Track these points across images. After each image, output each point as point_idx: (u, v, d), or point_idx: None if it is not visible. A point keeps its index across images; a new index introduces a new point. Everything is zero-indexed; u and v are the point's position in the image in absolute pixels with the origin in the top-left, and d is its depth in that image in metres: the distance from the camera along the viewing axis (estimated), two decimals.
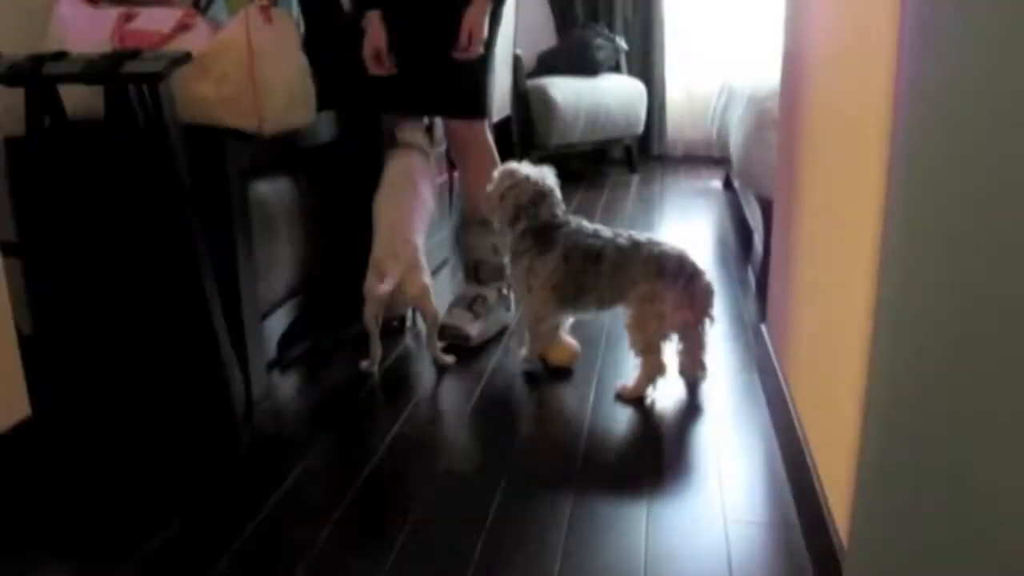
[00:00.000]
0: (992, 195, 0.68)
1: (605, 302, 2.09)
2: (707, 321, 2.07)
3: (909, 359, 0.88)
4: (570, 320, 2.25)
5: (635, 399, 2.04)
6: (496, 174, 2.19)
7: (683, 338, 2.09)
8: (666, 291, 1.99)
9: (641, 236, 2.08)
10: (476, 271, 2.45)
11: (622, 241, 2.05)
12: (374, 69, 2.27)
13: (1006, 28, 0.66)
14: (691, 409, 2.01)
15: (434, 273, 2.92)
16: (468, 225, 2.45)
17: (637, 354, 2.05)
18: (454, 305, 2.42)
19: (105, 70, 1.73)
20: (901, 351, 0.91)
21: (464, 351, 2.33)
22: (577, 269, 2.06)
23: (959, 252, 0.75)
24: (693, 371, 2.12)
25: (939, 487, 0.78)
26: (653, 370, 2.04)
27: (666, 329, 2.03)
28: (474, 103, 2.37)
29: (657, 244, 2.05)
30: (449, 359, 2.25)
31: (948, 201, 0.78)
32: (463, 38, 2.20)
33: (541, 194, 2.12)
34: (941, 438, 0.78)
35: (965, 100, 0.74)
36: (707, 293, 2.05)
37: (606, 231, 2.09)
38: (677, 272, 2.00)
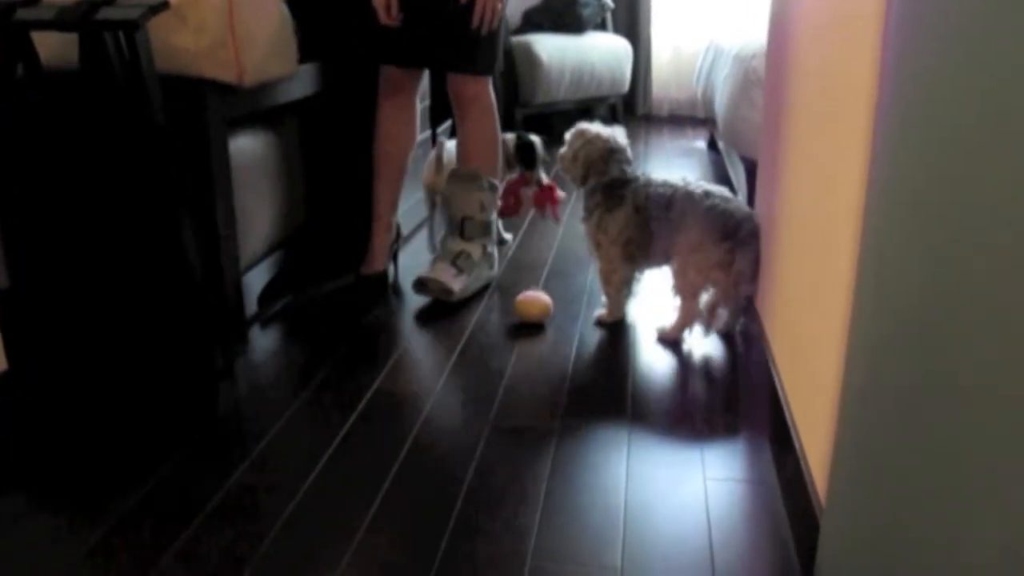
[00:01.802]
0: (978, 157, 0.67)
1: (670, 252, 2.10)
2: (743, 288, 2.05)
3: (890, 320, 0.88)
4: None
5: (672, 340, 2.12)
6: (569, 134, 2.22)
7: (716, 294, 2.10)
8: (712, 246, 2.01)
9: (715, 187, 2.08)
10: (462, 227, 2.43)
11: (693, 188, 2.06)
12: (384, 19, 2.24)
13: None
14: (672, 366, 2.02)
15: (414, 232, 2.91)
16: (457, 180, 2.42)
17: (675, 296, 2.11)
18: (437, 259, 2.41)
19: (80, 17, 1.69)
20: (882, 312, 0.91)
21: (446, 307, 2.33)
22: (650, 218, 2.08)
23: (943, 214, 0.74)
24: (712, 323, 2.15)
25: (918, 449, 0.78)
26: (689, 316, 2.10)
27: (701, 283, 2.06)
28: (482, 59, 2.35)
29: (727, 199, 2.05)
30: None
31: (932, 163, 0.77)
32: (477, 16, 2.21)
33: (610, 151, 2.14)
34: (921, 400, 0.78)
35: (953, 63, 0.73)
36: (753, 262, 2.03)
37: (676, 181, 2.11)
38: (729, 232, 2.00)
